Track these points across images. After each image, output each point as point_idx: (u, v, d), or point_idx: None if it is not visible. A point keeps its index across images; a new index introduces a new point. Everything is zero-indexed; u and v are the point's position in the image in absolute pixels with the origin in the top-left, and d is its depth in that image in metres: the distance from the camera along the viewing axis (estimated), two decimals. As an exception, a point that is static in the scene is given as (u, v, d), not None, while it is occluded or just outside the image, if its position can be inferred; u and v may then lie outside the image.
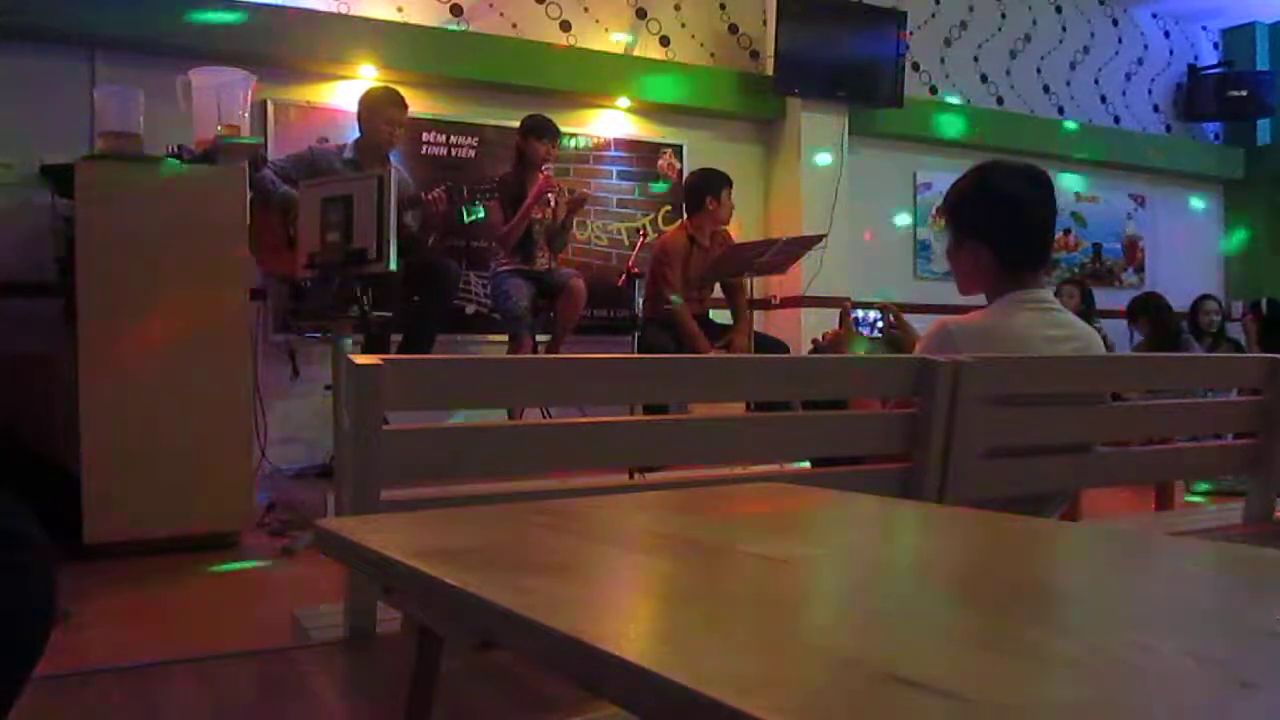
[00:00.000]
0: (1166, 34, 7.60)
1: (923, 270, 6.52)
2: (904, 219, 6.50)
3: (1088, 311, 5.72)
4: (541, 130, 4.60)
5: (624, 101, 5.48)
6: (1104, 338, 2.66)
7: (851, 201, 5.99)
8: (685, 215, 4.97)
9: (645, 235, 5.32)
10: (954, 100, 6.58)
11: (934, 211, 6.55)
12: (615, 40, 5.53)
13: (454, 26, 5.09)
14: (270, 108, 4.62)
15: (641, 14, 5.61)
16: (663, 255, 4.84)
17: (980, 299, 2.04)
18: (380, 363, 1.40)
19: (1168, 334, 5.96)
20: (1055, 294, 2.53)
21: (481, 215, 4.41)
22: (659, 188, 5.55)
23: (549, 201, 4.63)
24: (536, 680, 1.39)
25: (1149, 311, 6.13)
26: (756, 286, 5.22)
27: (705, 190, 4.86)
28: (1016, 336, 1.92)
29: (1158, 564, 0.93)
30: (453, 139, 5.07)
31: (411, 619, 0.99)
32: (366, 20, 4.81)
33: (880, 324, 2.27)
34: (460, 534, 1.02)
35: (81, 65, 4.28)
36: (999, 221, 1.93)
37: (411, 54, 4.87)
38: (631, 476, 2.77)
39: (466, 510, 1.21)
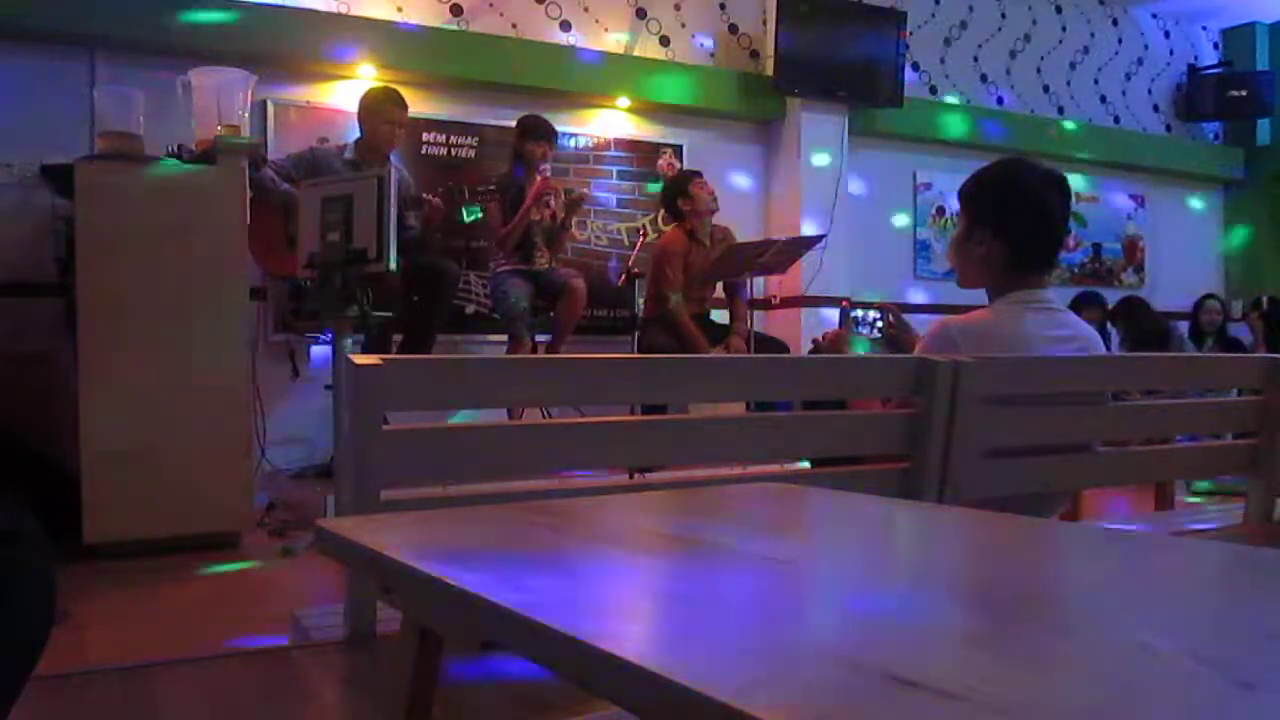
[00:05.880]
0: (1166, 34, 7.60)
1: (923, 270, 6.52)
2: (904, 219, 6.50)
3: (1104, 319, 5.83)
4: (537, 132, 4.60)
5: (624, 101, 5.48)
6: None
7: (851, 201, 5.99)
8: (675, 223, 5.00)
9: (645, 235, 5.32)
10: (954, 100, 6.58)
11: (934, 211, 6.55)
12: (615, 40, 5.53)
13: (455, 26, 5.09)
14: (270, 108, 4.62)
15: (641, 14, 5.61)
16: (663, 254, 4.85)
17: (979, 293, 2.04)
18: (380, 363, 1.40)
19: (1144, 335, 5.98)
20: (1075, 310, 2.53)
21: (479, 215, 4.41)
22: (655, 188, 5.54)
23: (547, 202, 4.64)
24: (536, 680, 1.39)
25: (1124, 314, 6.18)
26: (756, 286, 5.23)
27: (675, 194, 4.95)
28: (1018, 337, 1.92)
29: (1158, 564, 0.93)
30: (453, 139, 5.07)
31: (411, 619, 0.99)
32: (366, 20, 4.81)
33: (880, 324, 2.27)
34: (460, 534, 1.02)
35: (81, 65, 4.28)
36: (1017, 216, 1.93)
37: (411, 54, 4.87)
38: (631, 476, 2.77)
39: (466, 510, 1.21)
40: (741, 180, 5.90)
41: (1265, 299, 6.67)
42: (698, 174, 5.00)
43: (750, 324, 4.94)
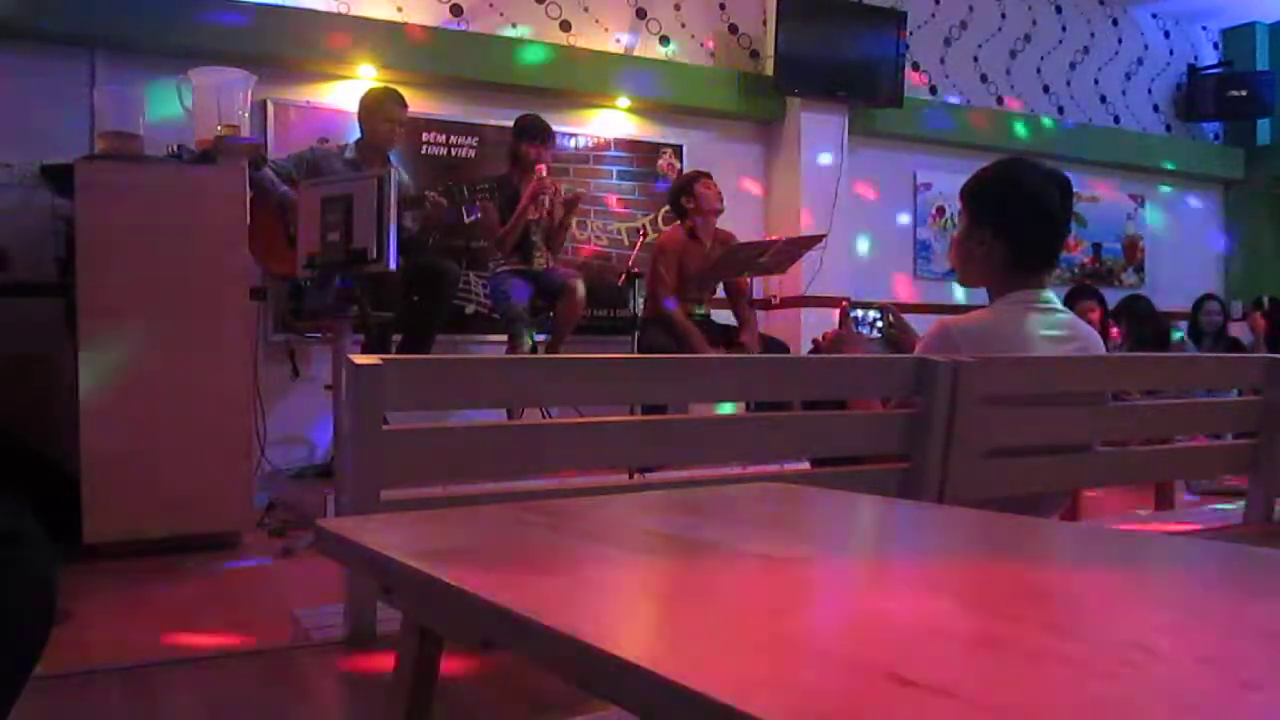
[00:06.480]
0: (1166, 34, 7.60)
1: (923, 270, 6.52)
2: (904, 219, 6.49)
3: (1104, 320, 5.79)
4: (532, 132, 4.60)
5: (624, 101, 5.48)
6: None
7: (851, 201, 5.99)
8: (678, 220, 5.01)
9: (645, 235, 5.32)
10: (954, 100, 6.58)
11: (934, 211, 6.55)
12: (615, 40, 5.53)
13: (455, 26, 5.09)
14: (270, 108, 4.62)
15: (641, 14, 5.61)
16: (659, 253, 4.84)
17: (979, 293, 2.04)
18: (380, 363, 1.40)
19: (1145, 336, 5.97)
20: (1071, 308, 2.53)
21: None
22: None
23: (543, 201, 4.62)
24: (536, 680, 1.39)
25: (1126, 315, 6.17)
26: (756, 286, 5.22)
27: (680, 192, 4.96)
28: (1018, 337, 1.92)
29: (1158, 564, 0.93)
30: (453, 139, 5.07)
31: (411, 619, 0.99)
32: (366, 20, 4.81)
33: (880, 324, 2.27)
34: (460, 534, 1.02)
35: (81, 65, 4.27)
36: (1018, 216, 1.93)
37: (411, 54, 4.87)
38: (631, 476, 2.77)
39: (466, 510, 1.21)
40: (741, 180, 5.89)
41: (1266, 299, 6.66)
42: (707, 174, 5.00)
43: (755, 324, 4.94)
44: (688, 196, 4.88)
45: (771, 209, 5.99)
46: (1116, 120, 7.32)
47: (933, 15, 6.52)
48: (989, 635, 0.66)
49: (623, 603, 0.80)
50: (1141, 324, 6.08)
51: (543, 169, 4.55)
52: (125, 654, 2.17)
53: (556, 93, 5.23)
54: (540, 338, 4.69)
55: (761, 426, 1.90)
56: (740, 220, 5.59)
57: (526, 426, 2.49)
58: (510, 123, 4.78)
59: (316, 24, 4.66)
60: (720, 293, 5.11)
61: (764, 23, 5.89)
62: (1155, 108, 7.57)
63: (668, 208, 5.40)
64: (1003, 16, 6.82)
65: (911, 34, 6.10)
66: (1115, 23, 7.35)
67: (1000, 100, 6.80)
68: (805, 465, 2.21)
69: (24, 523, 1.05)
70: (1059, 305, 2.04)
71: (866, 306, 2.29)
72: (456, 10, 5.11)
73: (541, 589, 0.77)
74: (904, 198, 6.50)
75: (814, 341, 2.56)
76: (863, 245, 6.17)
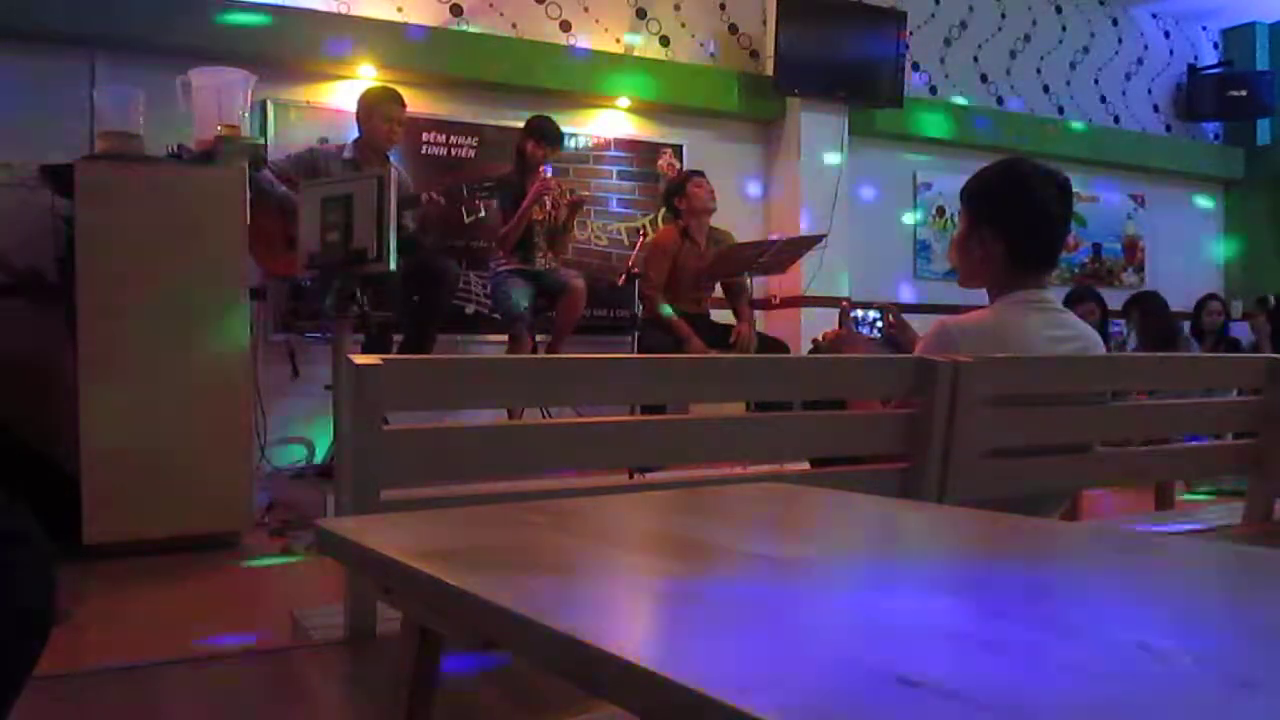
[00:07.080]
0: (1166, 34, 7.60)
1: (923, 270, 6.52)
2: (904, 219, 6.50)
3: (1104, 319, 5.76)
4: (539, 133, 4.60)
5: (624, 101, 5.48)
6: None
7: (851, 201, 5.99)
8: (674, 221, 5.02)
9: (645, 235, 5.32)
10: (954, 100, 6.58)
11: (934, 211, 6.55)
12: (615, 40, 5.53)
13: (455, 26, 5.10)
14: (270, 108, 4.62)
15: (641, 14, 5.61)
16: (650, 254, 4.83)
17: (979, 293, 2.04)
18: (380, 363, 1.40)
19: (1155, 332, 5.95)
20: (1071, 309, 2.53)
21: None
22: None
23: (543, 203, 4.62)
24: (536, 680, 1.39)
25: (1137, 310, 6.15)
26: (756, 286, 5.22)
27: (673, 193, 4.98)
28: (1018, 337, 1.92)
29: (1158, 564, 0.93)
30: (453, 139, 5.07)
31: (411, 619, 0.99)
32: (366, 20, 4.81)
33: (880, 324, 2.27)
34: (460, 534, 1.02)
35: (81, 65, 4.27)
36: (1018, 216, 1.93)
37: (411, 54, 4.87)
38: (631, 476, 2.77)
39: (466, 510, 1.21)
40: (741, 180, 5.89)
41: (1272, 298, 6.65)
42: (699, 173, 5.01)
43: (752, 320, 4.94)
44: (680, 197, 4.89)
45: (771, 209, 5.99)
46: (1116, 120, 7.33)
47: (933, 15, 6.52)
48: (990, 635, 0.66)
49: (623, 603, 0.80)
50: (1151, 320, 6.06)
51: (547, 170, 4.55)
52: (125, 654, 2.18)
53: (556, 93, 5.23)
54: (540, 338, 4.69)
55: (761, 426, 1.90)
56: (740, 220, 5.59)
57: (526, 426, 2.49)
58: (510, 122, 4.79)
59: (316, 24, 4.66)
60: (719, 292, 5.11)
61: (764, 23, 5.89)
62: (1155, 108, 7.57)
63: (664, 208, 5.41)
64: (1003, 16, 6.82)
65: (911, 34, 6.10)
66: (1115, 23, 7.35)
67: (1000, 100, 6.80)
68: (805, 465, 2.21)
69: (24, 523, 1.05)
70: (1059, 305, 2.04)
71: (866, 306, 2.29)
72: (456, 10, 5.11)
73: (541, 589, 0.77)
74: (904, 198, 6.50)
75: (814, 341, 2.56)
76: (863, 245, 6.17)
